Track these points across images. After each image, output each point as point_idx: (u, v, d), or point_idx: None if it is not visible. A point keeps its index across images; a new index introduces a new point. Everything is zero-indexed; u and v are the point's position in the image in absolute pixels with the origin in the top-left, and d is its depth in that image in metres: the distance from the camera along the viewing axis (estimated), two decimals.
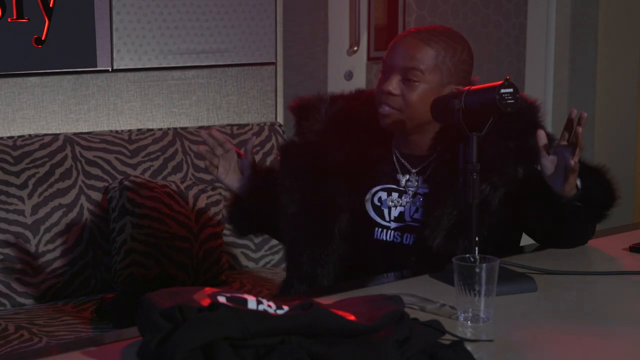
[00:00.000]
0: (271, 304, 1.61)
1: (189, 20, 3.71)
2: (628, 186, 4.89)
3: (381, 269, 2.29)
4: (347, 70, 4.48)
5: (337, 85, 4.36)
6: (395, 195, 2.35)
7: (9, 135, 3.36)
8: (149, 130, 3.53)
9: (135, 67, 3.62)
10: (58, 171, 3.26)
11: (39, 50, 3.40)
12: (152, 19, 3.63)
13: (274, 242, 3.54)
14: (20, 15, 3.34)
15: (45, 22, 3.39)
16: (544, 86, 5.06)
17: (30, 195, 3.20)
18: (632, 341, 1.79)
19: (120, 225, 3.22)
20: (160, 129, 3.55)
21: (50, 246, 3.20)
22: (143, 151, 3.45)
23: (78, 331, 2.92)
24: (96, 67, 3.53)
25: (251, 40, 3.84)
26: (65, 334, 2.89)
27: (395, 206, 2.35)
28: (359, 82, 4.47)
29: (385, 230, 2.34)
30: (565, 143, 2.14)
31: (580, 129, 2.09)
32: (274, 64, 3.93)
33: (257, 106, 3.91)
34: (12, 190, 3.18)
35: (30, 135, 3.33)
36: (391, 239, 2.34)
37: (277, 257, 3.62)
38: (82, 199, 3.27)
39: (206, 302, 1.59)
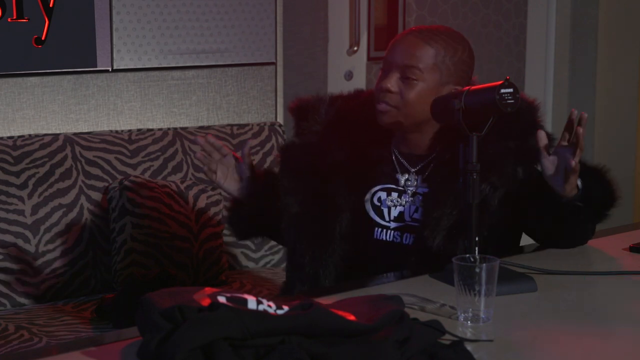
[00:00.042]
0: (271, 304, 1.61)
1: (189, 20, 3.71)
2: (628, 186, 4.89)
3: (381, 269, 2.29)
4: (347, 70, 4.48)
5: (337, 85, 4.36)
6: (394, 195, 2.35)
7: (9, 135, 3.36)
8: (149, 130, 3.53)
9: (135, 67, 3.62)
10: (58, 171, 3.26)
11: (39, 50, 3.40)
12: (152, 19, 3.63)
13: (274, 242, 3.54)
14: (20, 15, 3.34)
15: (45, 22, 3.39)
16: (544, 86, 5.06)
17: (30, 195, 3.20)
18: (632, 341, 1.79)
19: (120, 225, 3.22)
20: (160, 129, 3.55)
21: (50, 246, 3.20)
22: (143, 151, 3.45)
23: (78, 331, 2.92)
24: (96, 67, 3.53)
25: (251, 40, 3.84)
26: (65, 334, 2.89)
27: (395, 206, 2.35)
28: (359, 82, 4.47)
29: (385, 230, 2.34)
30: (565, 143, 2.14)
31: (580, 130, 2.09)
32: (274, 64, 3.93)
33: (257, 106, 3.91)
34: (12, 190, 3.18)
35: (30, 135, 3.33)
36: (391, 238, 2.34)
37: (277, 257, 3.62)
38: (82, 199, 3.27)
39: (206, 302, 1.59)
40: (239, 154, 2.45)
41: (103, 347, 1.73)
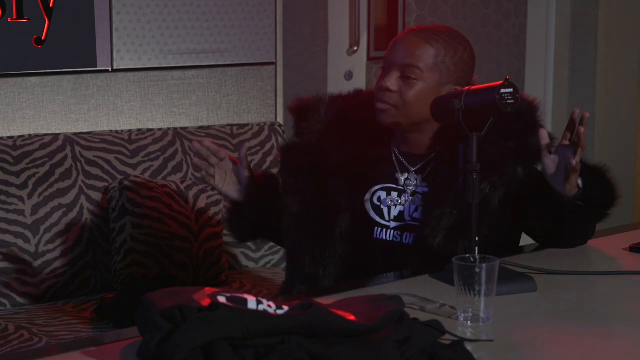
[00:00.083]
0: (271, 304, 1.61)
1: (189, 20, 3.71)
2: (628, 186, 4.89)
3: (381, 269, 2.29)
4: (347, 70, 4.48)
5: (337, 85, 4.36)
6: (394, 194, 2.35)
7: (9, 135, 3.36)
8: (149, 130, 3.53)
9: (135, 67, 3.62)
10: (58, 171, 3.26)
11: (39, 50, 3.40)
12: (152, 19, 3.63)
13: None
14: (20, 15, 3.34)
15: (45, 22, 3.39)
16: (544, 86, 5.06)
17: (30, 195, 3.20)
18: (632, 341, 1.79)
19: (120, 225, 3.22)
20: (160, 129, 3.55)
21: (50, 246, 3.19)
22: (143, 151, 3.45)
23: (78, 331, 2.92)
24: (96, 67, 3.53)
25: (251, 40, 3.84)
26: (65, 334, 2.89)
27: (395, 205, 2.35)
28: (359, 82, 4.47)
29: (385, 230, 2.35)
30: (567, 143, 2.14)
31: (582, 129, 2.09)
32: (274, 64, 3.93)
33: (257, 106, 3.91)
34: (12, 190, 3.18)
35: (30, 135, 3.33)
36: (391, 238, 2.34)
37: (277, 257, 3.62)
38: (82, 199, 3.27)
39: (206, 302, 1.59)
40: (236, 157, 2.44)
41: (103, 347, 1.73)
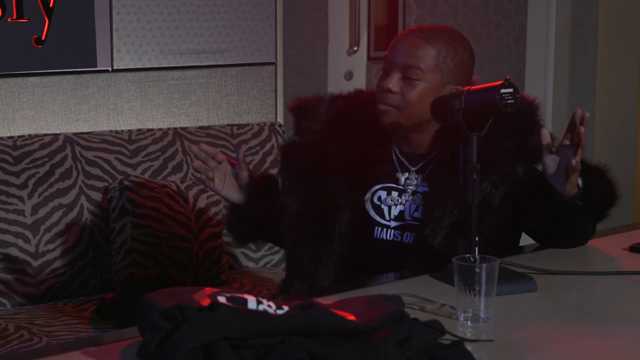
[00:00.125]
0: (271, 304, 1.61)
1: (189, 20, 3.71)
2: (628, 186, 4.89)
3: (381, 269, 2.29)
4: (347, 70, 4.48)
5: (337, 85, 4.36)
6: (395, 194, 2.35)
7: (9, 135, 3.36)
8: (149, 130, 3.53)
9: (135, 67, 3.62)
10: (58, 171, 3.26)
11: (39, 50, 3.40)
12: (152, 19, 3.63)
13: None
14: (20, 15, 3.34)
15: (45, 22, 3.39)
16: (544, 86, 5.06)
17: (30, 195, 3.20)
18: (632, 341, 1.79)
19: (120, 225, 3.22)
20: (160, 129, 3.55)
21: (50, 246, 3.19)
22: (143, 151, 3.45)
23: (78, 331, 2.92)
24: (96, 67, 3.53)
25: (251, 40, 3.84)
26: (65, 334, 2.89)
27: (395, 205, 2.35)
28: (359, 82, 4.47)
29: (385, 230, 2.35)
30: (567, 142, 2.14)
31: (582, 129, 2.09)
32: (274, 64, 3.93)
33: (257, 106, 3.91)
34: (12, 190, 3.18)
35: (30, 135, 3.33)
36: (391, 238, 2.34)
37: (277, 257, 3.62)
38: (82, 199, 3.27)
39: (206, 302, 1.59)
40: (234, 159, 2.44)
41: (103, 347, 1.73)
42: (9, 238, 3.14)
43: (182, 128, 3.59)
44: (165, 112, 3.72)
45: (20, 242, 3.15)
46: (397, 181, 2.36)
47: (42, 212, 3.20)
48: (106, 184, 3.32)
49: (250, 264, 3.60)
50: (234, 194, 2.44)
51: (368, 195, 2.37)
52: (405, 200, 2.34)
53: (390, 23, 4.57)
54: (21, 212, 3.17)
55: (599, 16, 4.95)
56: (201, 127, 3.63)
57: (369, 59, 4.51)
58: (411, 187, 2.35)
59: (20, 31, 3.36)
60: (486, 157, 2.15)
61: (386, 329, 1.60)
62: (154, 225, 3.22)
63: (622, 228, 2.59)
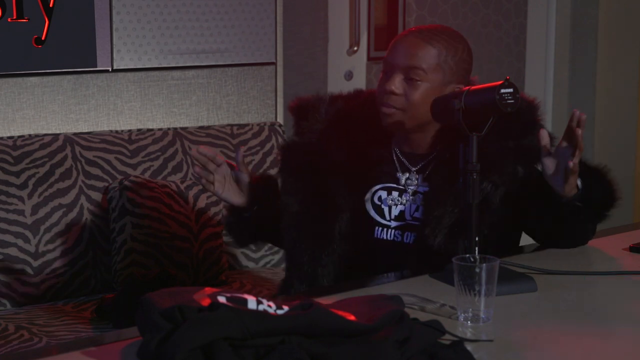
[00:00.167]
0: (271, 304, 1.61)
1: (189, 20, 3.71)
2: (628, 186, 4.89)
3: (381, 269, 2.29)
4: (347, 70, 4.48)
5: (337, 85, 4.36)
6: (395, 194, 2.35)
7: (9, 135, 3.36)
8: (149, 130, 3.53)
9: (135, 67, 3.62)
10: (58, 171, 3.26)
11: (39, 50, 3.40)
12: (152, 19, 3.63)
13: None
14: (20, 15, 3.34)
15: (45, 22, 3.39)
16: (544, 86, 5.06)
17: (30, 195, 3.20)
18: (632, 341, 1.79)
19: (120, 225, 3.22)
20: (160, 129, 3.55)
21: (50, 246, 3.19)
22: (143, 151, 3.45)
23: (78, 331, 2.92)
24: (96, 67, 3.53)
25: (251, 40, 3.84)
26: (65, 334, 2.89)
27: (396, 205, 2.35)
28: (359, 82, 4.47)
29: (385, 230, 2.35)
30: (565, 144, 2.14)
31: (579, 131, 2.09)
32: (274, 64, 3.93)
33: (257, 106, 3.91)
34: (12, 190, 3.18)
35: (30, 135, 3.33)
36: (392, 237, 2.34)
37: (277, 257, 3.61)
38: (82, 199, 3.27)
39: (206, 302, 1.59)
40: (233, 162, 2.43)
41: (103, 347, 1.73)
42: (9, 238, 3.14)
43: (182, 128, 3.59)
44: (165, 112, 3.72)
45: (20, 242, 3.15)
46: (397, 181, 2.36)
47: (42, 212, 3.20)
48: (106, 184, 3.32)
49: (250, 264, 3.60)
50: (235, 197, 2.43)
51: (368, 195, 2.37)
52: (406, 200, 2.34)
53: (390, 23, 4.57)
54: (21, 212, 3.17)
55: (599, 16, 4.95)
56: (201, 127, 3.63)
57: (369, 59, 4.51)
58: (412, 187, 2.35)
59: (20, 31, 3.36)
60: (486, 157, 2.15)
61: (386, 329, 1.60)
62: (154, 225, 3.22)
63: (622, 228, 2.59)
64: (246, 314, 1.55)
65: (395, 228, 2.34)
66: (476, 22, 4.80)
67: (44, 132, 3.45)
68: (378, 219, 2.35)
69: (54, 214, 3.21)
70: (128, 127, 3.60)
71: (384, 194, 2.36)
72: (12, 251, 3.14)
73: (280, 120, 3.94)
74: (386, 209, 2.35)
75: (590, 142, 4.93)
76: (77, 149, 3.33)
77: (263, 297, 1.63)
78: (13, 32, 3.35)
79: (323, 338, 1.56)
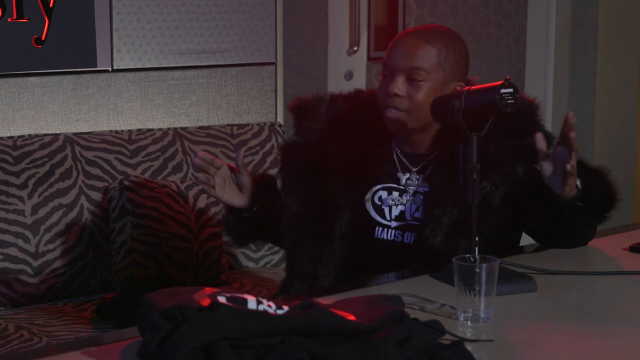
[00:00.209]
0: (271, 304, 1.61)
1: (189, 20, 3.71)
2: (628, 186, 4.89)
3: (382, 269, 2.29)
4: (347, 70, 4.48)
5: (337, 85, 4.36)
6: (395, 194, 2.35)
7: (9, 135, 3.36)
8: (149, 130, 3.53)
9: (135, 67, 3.62)
10: (58, 171, 3.26)
11: (39, 50, 3.40)
12: (152, 19, 3.63)
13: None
14: (20, 15, 3.34)
15: (45, 22, 3.39)
16: (544, 86, 5.06)
17: (30, 195, 3.20)
18: (632, 341, 1.79)
19: (120, 225, 3.22)
20: (160, 129, 3.55)
21: (50, 246, 3.19)
22: (143, 151, 3.45)
23: (78, 331, 2.92)
24: (96, 67, 3.53)
25: (251, 40, 3.84)
26: (65, 334, 2.89)
27: (396, 205, 2.35)
28: (359, 82, 4.47)
29: (386, 230, 2.35)
30: (562, 147, 2.14)
31: (573, 134, 2.08)
32: (274, 64, 3.93)
33: (257, 106, 3.91)
34: (12, 190, 3.18)
35: (30, 135, 3.33)
36: (392, 238, 2.34)
37: (277, 257, 3.61)
38: (82, 199, 3.27)
39: (206, 302, 1.59)
40: (234, 164, 2.43)
41: (103, 347, 1.73)
42: (9, 238, 3.14)
43: (182, 128, 3.59)
44: (165, 112, 3.72)
45: (20, 242, 3.15)
46: (397, 181, 2.36)
47: (42, 212, 3.20)
48: (106, 184, 3.32)
49: (250, 264, 3.60)
50: (235, 199, 2.42)
51: (369, 195, 2.37)
52: (407, 201, 2.34)
53: (390, 23, 4.57)
54: (21, 212, 3.17)
55: (599, 16, 4.95)
56: (201, 127, 3.63)
57: (369, 59, 4.51)
58: (412, 188, 2.35)
59: (20, 31, 3.36)
60: (486, 157, 2.15)
61: (386, 329, 1.60)
62: (154, 225, 3.22)
63: (622, 228, 2.59)
64: (246, 314, 1.55)
65: (396, 228, 2.34)
66: (476, 22, 4.80)
67: (44, 132, 3.45)
68: (378, 219, 2.35)
69: (54, 214, 3.21)
70: (128, 127, 3.60)
71: (384, 194, 2.36)
72: (12, 251, 3.14)
73: (280, 120, 3.94)
74: (386, 209, 2.35)
75: (590, 142, 4.93)
76: (77, 149, 3.33)
77: (263, 297, 1.63)
78: (13, 32, 3.35)
79: (323, 338, 1.56)
